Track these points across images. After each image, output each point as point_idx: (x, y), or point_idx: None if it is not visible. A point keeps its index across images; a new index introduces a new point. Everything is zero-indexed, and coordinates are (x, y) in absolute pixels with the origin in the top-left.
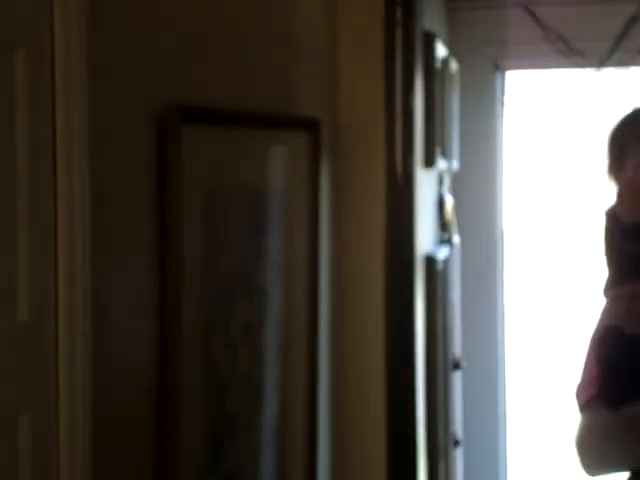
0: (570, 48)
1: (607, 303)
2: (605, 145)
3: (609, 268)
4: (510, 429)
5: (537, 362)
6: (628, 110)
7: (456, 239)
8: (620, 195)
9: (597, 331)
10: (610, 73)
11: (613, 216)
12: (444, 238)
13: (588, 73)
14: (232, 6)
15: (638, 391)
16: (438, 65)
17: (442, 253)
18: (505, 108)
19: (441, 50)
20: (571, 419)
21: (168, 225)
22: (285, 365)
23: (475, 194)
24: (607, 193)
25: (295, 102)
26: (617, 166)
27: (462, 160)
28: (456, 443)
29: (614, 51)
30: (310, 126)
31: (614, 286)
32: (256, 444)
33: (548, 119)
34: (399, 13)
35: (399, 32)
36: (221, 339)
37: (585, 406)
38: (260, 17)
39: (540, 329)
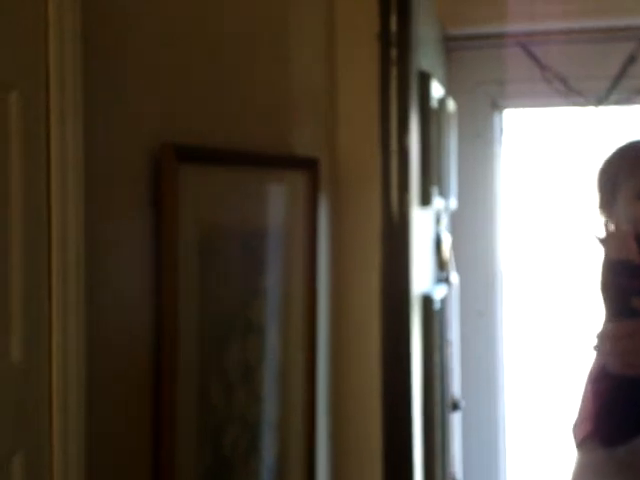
0: (568, 87)
1: (598, 341)
2: (596, 180)
3: (604, 306)
4: (510, 469)
5: (537, 402)
6: (620, 144)
7: (454, 278)
8: (604, 240)
9: (593, 368)
10: (608, 112)
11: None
12: (442, 277)
13: (586, 112)
14: (231, 46)
15: (632, 431)
16: (434, 104)
17: (439, 292)
18: (503, 146)
19: (437, 89)
20: (569, 456)
21: (164, 264)
22: (283, 405)
23: (474, 232)
24: (600, 228)
25: (292, 142)
26: (608, 200)
27: (461, 198)
28: None
29: (612, 90)
30: (308, 165)
31: (606, 323)
32: None
33: (547, 157)
34: (394, 53)
35: (394, 72)
36: (217, 378)
37: (581, 443)
38: (259, 57)
39: (540, 368)
